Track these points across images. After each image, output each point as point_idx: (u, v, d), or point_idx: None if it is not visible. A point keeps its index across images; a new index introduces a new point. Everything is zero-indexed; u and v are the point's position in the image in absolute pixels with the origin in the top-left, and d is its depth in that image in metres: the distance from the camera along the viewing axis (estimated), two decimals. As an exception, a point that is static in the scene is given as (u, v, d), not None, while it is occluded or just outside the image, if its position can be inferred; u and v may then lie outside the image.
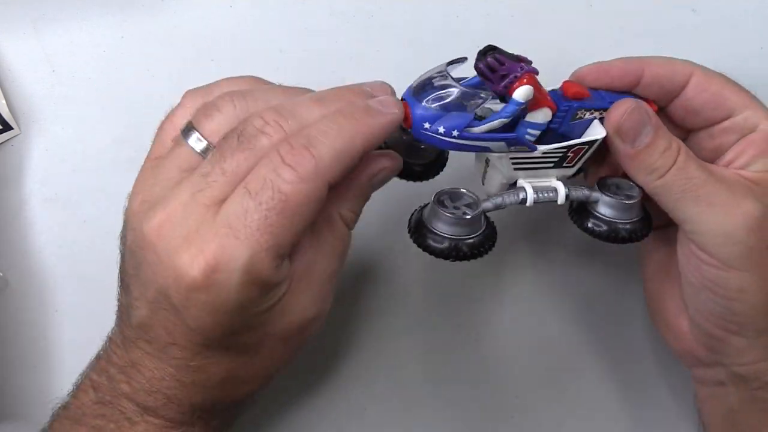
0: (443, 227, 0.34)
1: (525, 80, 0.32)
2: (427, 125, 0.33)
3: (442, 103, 0.32)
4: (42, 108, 0.45)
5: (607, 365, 0.48)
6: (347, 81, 0.44)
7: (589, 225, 0.37)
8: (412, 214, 0.36)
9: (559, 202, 0.36)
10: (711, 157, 0.37)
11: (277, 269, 0.31)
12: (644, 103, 0.36)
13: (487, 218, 0.36)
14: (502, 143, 0.34)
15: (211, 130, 0.33)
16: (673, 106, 0.38)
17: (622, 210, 0.36)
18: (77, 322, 0.46)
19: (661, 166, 0.34)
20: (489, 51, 0.33)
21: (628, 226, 0.36)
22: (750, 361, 0.36)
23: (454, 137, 0.33)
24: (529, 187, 0.35)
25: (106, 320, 0.45)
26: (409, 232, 0.36)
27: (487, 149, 0.34)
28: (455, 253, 0.34)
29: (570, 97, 0.35)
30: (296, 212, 0.30)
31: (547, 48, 0.44)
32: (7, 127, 0.44)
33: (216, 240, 0.30)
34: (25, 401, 0.46)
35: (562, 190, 0.36)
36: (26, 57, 0.45)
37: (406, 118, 0.33)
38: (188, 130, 0.33)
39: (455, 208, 0.35)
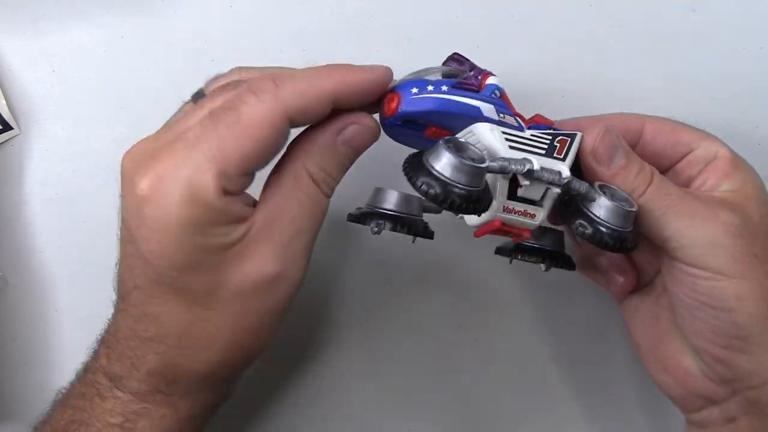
0: (442, 168, 0.31)
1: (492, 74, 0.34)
2: (415, 90, 0.33)
3: (427, 77, 0.34)
4: (42, 108, 0.45)
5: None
6: (347, 81, 0.44)
7: (577, 222, 0.34)
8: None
9: (563, 179, 0.34)
10: None
11: (225, 197, 0.31)
12: (614, 128, 0.36)
13: (486, 184, 0.33)
14: (491, 106, 0.33)
15: (213, 88, 0.34)
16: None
17: (617, 216, 0.34)
18: (77, 322, 0.46)
19: (639, 185, 0.35)
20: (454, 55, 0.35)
21: (617, 233, 0.34)
22: (762, 382, 0.35)
23: (444, 92, 0.33)
24: (535, 159, 0.33)
25: (106, 320, 0.46)
26: (403, 167, 0.32)
27: (478, 111, 0.33)
28: (445, 197, 0.31)
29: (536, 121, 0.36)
30: (248, 132, 0.31)
31: (547, 48, 0.44)
32: (7, 127, 0.44)
33: (169, 156, 0.31)
34: (25, 401, 0.46)
35: (566, 171, 0.34)
36: (26, 57, 0.45)
37: (392, 100, 0.33)
38: (197, 94, 0.35)
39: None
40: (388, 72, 0.34)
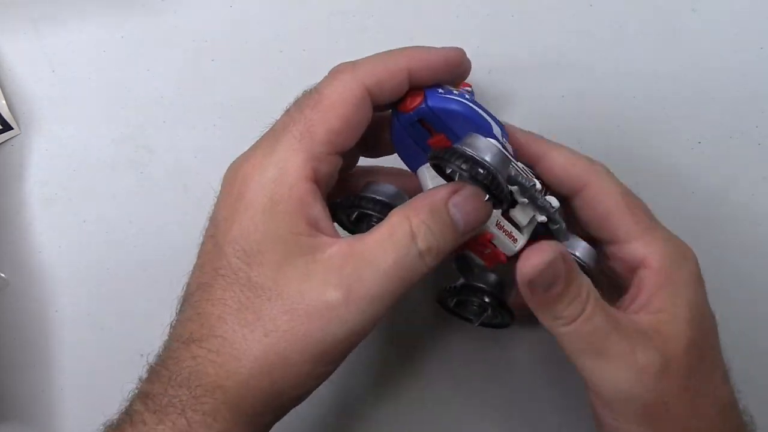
0: (483, 152, 0.31)
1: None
2: (441, 91, 0.33)
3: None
4: (42, 108, 0.45)
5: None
6: (347, 81, 0.44)
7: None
8: None
9: (554, 208, 0.34)
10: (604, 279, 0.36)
11: (313, 183, 0.31)
12: (561, 249, 0.32)
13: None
14: (499, 128, 0.33)
15: None
16: (567, 204, 0.36)
17: (590, 256, 0.35)
18: (77, 322, 0.46)
19: (568, 315, 0.32)
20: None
21: (591, 272, 0.34)
22: None
23: (468, 99, 0.33)
24: (537, 182, 0.33)
25: (106, 320, 0.46)
26: (435, 159, 0.32)
27: (490, 127, 0.33)
28: (492, 177, 0.30)
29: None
30: (331, 109, 0.31)
31: (547, 48, 0.44)
32: (7, 127, 0.44)
33: (261, 146, 0.32)
34: (25, 401, 0.46)
35: (556, 201, 0.34)
36: (26, 57, 0.45)
37: (418, 96, 0.33)
38: None
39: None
40: (461, 51, 0.34)
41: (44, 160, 0.45)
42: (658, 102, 0.44)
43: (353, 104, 0.32)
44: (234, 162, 0.33)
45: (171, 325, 0.33)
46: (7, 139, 0.45)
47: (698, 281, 0.34)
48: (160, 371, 0.32)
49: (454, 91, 0.33)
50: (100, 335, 0.46)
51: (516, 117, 0.44)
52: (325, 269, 0.30)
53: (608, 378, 0.32)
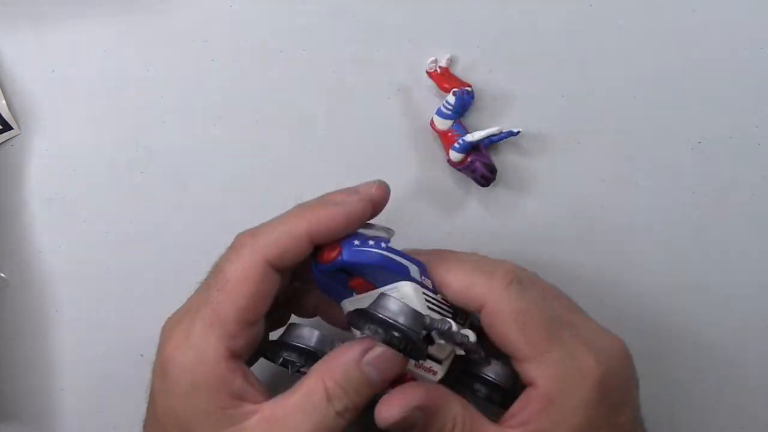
0: (394, 315, 0.33)
1: None
2: (357, 242, 0.34)
3: (364, 232, 0.35)
4: (42, 108, 0.45)
5: None
6: (347, 81, 0.45)
7: (476, 386, 0.37)
8: None
9: (470, 342, 0.34)
10: None
11: (232, 361, 0.33)
12: (418, 399, 0.33)
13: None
14: (416, 268, 0.35)
15: None
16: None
17: (507, 377, 0.37)
18: (77, 322, 0.46)
19: None
20: None
21: (510, 392, 0.36)
22: None
23: (383, 248, 0.34)
24: (452, 321, 0.34)
25: (106, 320, 0.46)
26: (349, 320, 0.35)
27: (407, 270, 0.34)
28: (402, 337, 0.32)
29: None
30: (236, 289, 0.33)
31: (547, 48, 0.44)
32: (7, 127, 0.44)
33: (182, 324, 0.34)
34: (25, 401, 0.46)
35: (473, 336, 0.34)
36: (26, 57, 0.45)
37: (333, 250, 0.34)
38: None
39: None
40: (367, 204, 0.35)
41: (44, 160, 0.45)
42: (658, 102, 0.44)
43: (256, 281, 0.33)
44: (162, 330, 0.35)
45: None
46: (7, 139, 0.45)
47: (593, 405, 0.33)
48: None
49: (370, 241, 0.34)
50: (100, 335, 0.46)
51: (516, 117, 0.44)
52: None
53: None
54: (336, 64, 0.45)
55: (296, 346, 0.36)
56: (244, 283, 0.33)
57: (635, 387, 0.36)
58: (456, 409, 0.34)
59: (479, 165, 0.43)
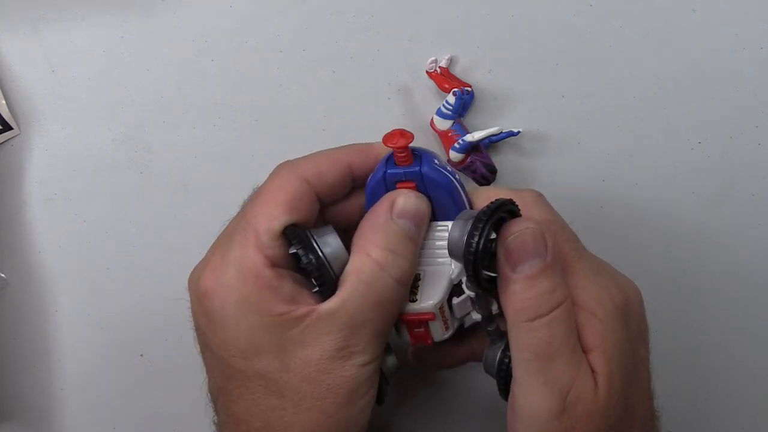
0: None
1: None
2: (436, 161, 0.34)
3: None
4: (42, 108, 0.45)
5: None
6: (347, 81, 0.45)
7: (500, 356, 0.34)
8: None
9: (494, 311, 0.34)
10: None
11: (273, 269, 0.32)
12: (546, 235, 0.32)
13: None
14: (471, 212, 0.34)
15: None
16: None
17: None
18: (77, 322, 0.46)
19: (532, 308, 0.31)
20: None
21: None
22: None
23: (456, 177, 0.34)
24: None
25: (106, 320, 0.46)
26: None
27: (464, 204, 0.35)
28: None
29: None
30: (269, 199, 0.33)
31: (547, 48, 0.44)
32: (7, 127, 0.44)
33: (216, 251, 0.34)
34: (25, 401, 0.46)
35: (496, 308, 0.34)
36: (26, 57, 0.45)
37: (407, 158, 0.34)
38: None
39: None
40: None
41: (44, 160, 0.45)
42: (658, 102, 0.44)
43: (290, 192, 0.33)
44: (196, 268, 0.34)
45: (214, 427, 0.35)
46: (7, 139, 0.45)
47: (620, 327, 0.33)
48: None
49: (446, 167, 0.34)
50: (100, 335, 0.46)
51: (516, 117, 0.44)
52: (319, 331, 0.32)
53: (530, 401, 0.31)
54: (336, 63, 0.45)
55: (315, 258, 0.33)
56: (279, 194, 0.33)
57: (647, 331, 0.35)
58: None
59: (479, 165, 0.43)
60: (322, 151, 0.35)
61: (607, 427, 0.31)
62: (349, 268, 0.32)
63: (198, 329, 0.34)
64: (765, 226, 0.45)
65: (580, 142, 0.45)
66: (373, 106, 0.45)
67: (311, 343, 0.31)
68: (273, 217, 0.32)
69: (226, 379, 0.33)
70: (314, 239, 0.33)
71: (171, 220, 0.45)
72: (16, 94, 0.45)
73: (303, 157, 0.34)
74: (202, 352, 0.35)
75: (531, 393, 0.31)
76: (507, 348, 0.33)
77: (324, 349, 0.31)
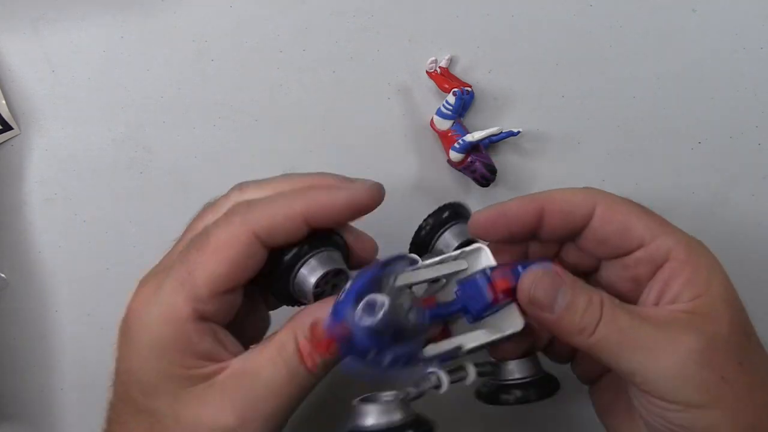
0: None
1: None
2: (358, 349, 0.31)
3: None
4: (42, 108, 0.45)
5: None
6: (347, 81, 0.45)
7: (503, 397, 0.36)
8: None
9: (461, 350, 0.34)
10: (630, 289, 0.36)
11: (199, 323, 0.31)
12: (553, 266, 0.34)
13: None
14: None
15: (206, 211, 0.36)
16: (582, 238, 0.36)
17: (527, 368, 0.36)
18: (77, 322, 0.46)
19: (588, 323, 0.32)
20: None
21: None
22: None
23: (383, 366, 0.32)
24: (443, 374, 0.33)
25: (106, 320, 0.46)
26: None
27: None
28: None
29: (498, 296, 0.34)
30: (215, 254, 0.32)
31: (547, 48, 0.44)
32: (7, 127, 0.44)
33: (154, 280, 0.33)
34: (25, 401, 0.46)
35: (472, 372, 0.34)
36: (26, 57, 0.45)
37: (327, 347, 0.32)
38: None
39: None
40: (371, 192, 0.33)
41: (44, 160, 0.45)
42: (658, 102, 0.44)
43: (238, 249, 0.32)
44: (145, 276, 0.34)
45: None
46: (7, 139, 0.45)
47: (720, 265, 0.35)
48: None
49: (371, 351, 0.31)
50: (100, 335, 0.46)
51: (516, 117, 0.44)
52: (221, 394, 0.31)
53: (657, 368, 0.32)
54: (336, 63, 0.45)
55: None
56: (226, 250, 0.32)
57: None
58: (599, 291, 0.33)
59: (479, 165, 0.43)
60: (279, 196, 0.33)
61: (738, 351, 0.33)
62: (272, 339, 0.32)
63: (115, 349, 0.34)
64: (765, 226, 0.45)
65: (580, 142, 0.45)
66: (373, 106, 0.45)
67: (207, 407, 0.31)
68: (217, 276, 0.32)
69: (122, 401, 0.33)
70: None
71: (171, 220, 0.45)
72: (16, 94, 0.45)
73: (260, 202, 0.33)
74: (116, 361, 0.34)
75: (651, 363, 0.32)
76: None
77: (216, 421, 0.31)
